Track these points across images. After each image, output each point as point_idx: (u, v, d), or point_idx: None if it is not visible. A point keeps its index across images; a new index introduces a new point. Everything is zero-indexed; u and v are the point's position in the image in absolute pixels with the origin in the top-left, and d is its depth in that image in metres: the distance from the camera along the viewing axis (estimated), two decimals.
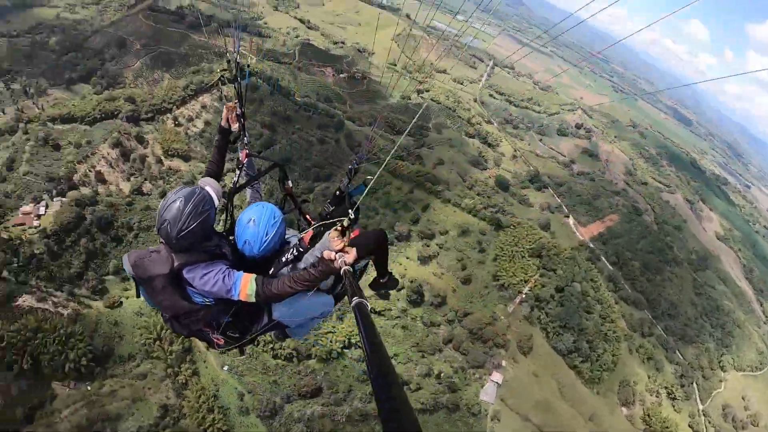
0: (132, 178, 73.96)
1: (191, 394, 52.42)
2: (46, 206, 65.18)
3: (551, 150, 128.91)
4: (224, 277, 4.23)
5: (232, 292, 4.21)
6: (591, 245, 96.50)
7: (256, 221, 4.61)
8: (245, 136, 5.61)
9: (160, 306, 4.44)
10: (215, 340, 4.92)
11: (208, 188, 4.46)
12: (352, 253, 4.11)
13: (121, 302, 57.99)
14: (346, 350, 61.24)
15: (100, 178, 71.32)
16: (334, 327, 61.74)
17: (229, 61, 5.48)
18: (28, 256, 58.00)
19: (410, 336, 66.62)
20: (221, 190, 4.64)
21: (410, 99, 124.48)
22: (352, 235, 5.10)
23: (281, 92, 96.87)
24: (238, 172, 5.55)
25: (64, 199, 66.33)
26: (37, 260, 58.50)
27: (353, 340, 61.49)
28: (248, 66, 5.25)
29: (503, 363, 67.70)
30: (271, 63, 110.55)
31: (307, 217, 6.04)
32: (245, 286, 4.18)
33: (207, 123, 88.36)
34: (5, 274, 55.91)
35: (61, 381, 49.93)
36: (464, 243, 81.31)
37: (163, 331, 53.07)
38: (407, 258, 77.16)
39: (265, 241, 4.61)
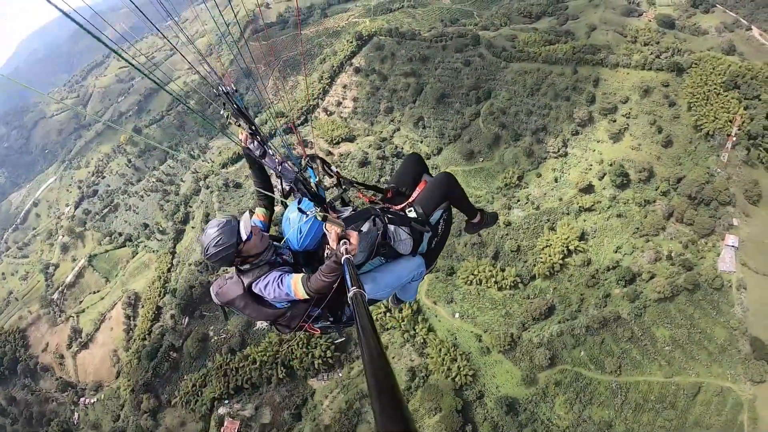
0: None
1: (432, 351, 54.93)
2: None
3: None
4: (277, 285, 4.56)
5: (291, 295, 4.51)
6: None
7: (291, 220, 4.92)
8: (269, 147, 5.41)
9: (253, 318, 4.88)
10: (312, 331, 5.16)
11: (241, 221, 4.76)
12: (353, 237, 4.16)
13: None
14: (567, 259, 58.59)
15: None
16: (548, 240, 59.47)
17: (218, 95, 5.23)
18: None
19: (628, 223, 60.88)
20: (250, 225, 4.80)
21: None
22: (418, 191, 5.71)
23: (407, 37, 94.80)
24: (278, 181, 5.34)
25: None
26: None
27: (571, 247, 58.69)
28: (236, 90, 5.02)
29: (734, 222, 57.70)
30: (385, 16, 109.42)
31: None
32: (296, 287, 4.45)
33: (355, 99, 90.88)
34: None
35: (315, 377, 56.82)
36: (650, 103, 70.76)
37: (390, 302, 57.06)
38: (598, 141, 70.23)
39: (300, 238, 4.85)
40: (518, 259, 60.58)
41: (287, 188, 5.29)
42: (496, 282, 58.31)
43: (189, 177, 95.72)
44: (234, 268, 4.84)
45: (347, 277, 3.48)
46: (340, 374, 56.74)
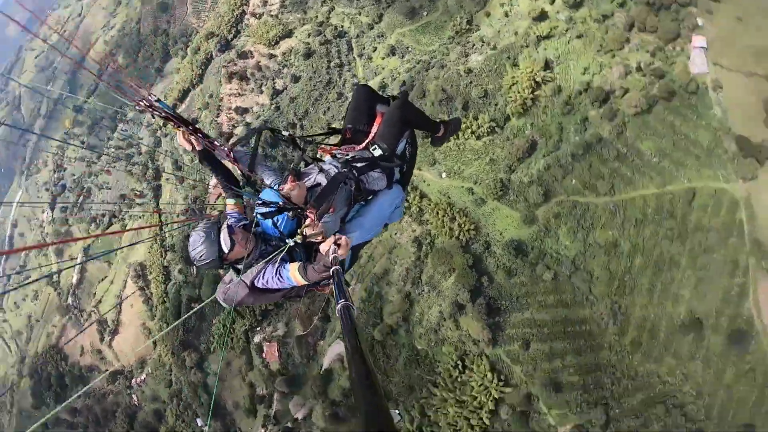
0: (263, 89, 77.31)
1: (430, 216, 55.54)
2: None
3: None
4: (278, 279, 4.63)
5: (293, 283, 4.60)
6: None
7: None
8: (213, 140, 5.15)
9: (266, 303, 4.66)
10: (321, 291, 5.25)
11: (222, 231, 4.66)
12: (343, 241, 4.08)
13: None
14: (537, 92, 56.66)
15: (240, 111, 77.44)
16: (513, 77, 57.47)
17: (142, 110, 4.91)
18: None
19: (590, 42, 58.51)
20: (228, 236, 4.68)
21: None
22: (376, 125, 5.64)
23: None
24: (236, 170, 5.38)
25: None
26: None
27: (538, 79, 56.48)
28: (158, 100, 4.68)
29: (699, 21, 55.75)
30: None
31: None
32: (295, 276, 4.50)
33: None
34: None
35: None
36: None
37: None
38: None
39: (279, 226, 4.86)
40: (488, 103, 59.24)
41: (247, 173, 5.31)
42: (472, 132, 57.28)
43: (145, 132, 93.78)
44: (231, 269, 4.87)
45: (335, 288, 3.40)
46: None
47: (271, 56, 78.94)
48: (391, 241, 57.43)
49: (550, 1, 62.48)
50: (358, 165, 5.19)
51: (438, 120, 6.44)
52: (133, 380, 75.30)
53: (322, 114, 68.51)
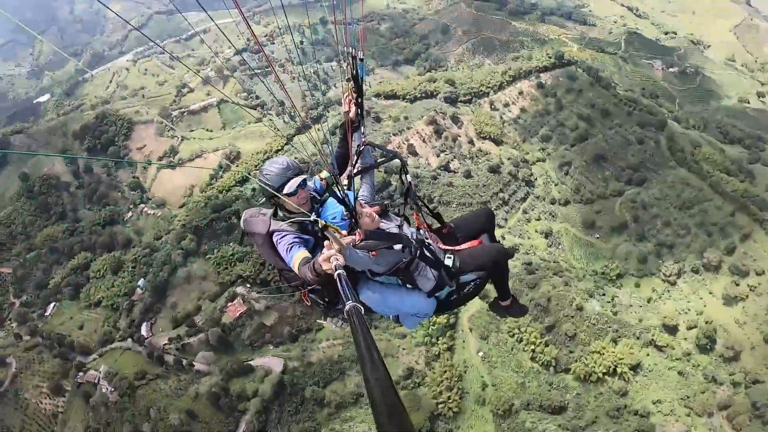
0: (442, 155, 79.22)
1: (438, 368, 54.60)
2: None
3: None
4: (288, 248, 4.69)
5: (290, 263, 4.61)
6: None
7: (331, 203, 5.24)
8: (363, 125, 5.76)
9: (264, 259, 5.07)
10: (305, 299, 5.23)
11: (299, 176, 4.94)
12: (341, 259, 3.94)
13: None
14: (608, 377, 55.43)
15: (412, 151, 79.24)
16: (603, 348, 56.61)
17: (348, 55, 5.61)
18: None
19: (684, 386, 56.10)
20: (301, 184, 4.98)
21: (749, 102, 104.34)
22: (470, 244, 5.74)
23: (602, 84, 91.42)
24: (354, 159, 5.61)
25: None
26: None
27: (619, 369, 55.47)
28: (362, 60, 5.42)
29: None
30: (593, 52, 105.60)
31: (420, 222, 5.75)
32: (295, 262, 4.51)
33: (523, 110, 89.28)
34: None
35: (333, 317, 56.87)
36: None
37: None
38: (710, 293, 64.99)
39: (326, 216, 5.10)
40: (566, 344, 57.91)
41: (359, 168, 5.62)
42: (533, 350, 56.49)
43: (341, 85, 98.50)
44: (273, 207, 5.11)
45: (342, 290, 3.40)
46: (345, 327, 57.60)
47: (470, 142, 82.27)
48: (395, 350, 56.57)
49: (689, 325, 61.18)
50: (427, 254, 5.24)
51: (512, 293, 6.29)
52: (142, 205, 79.88)
53: (461, 208, 69.91)
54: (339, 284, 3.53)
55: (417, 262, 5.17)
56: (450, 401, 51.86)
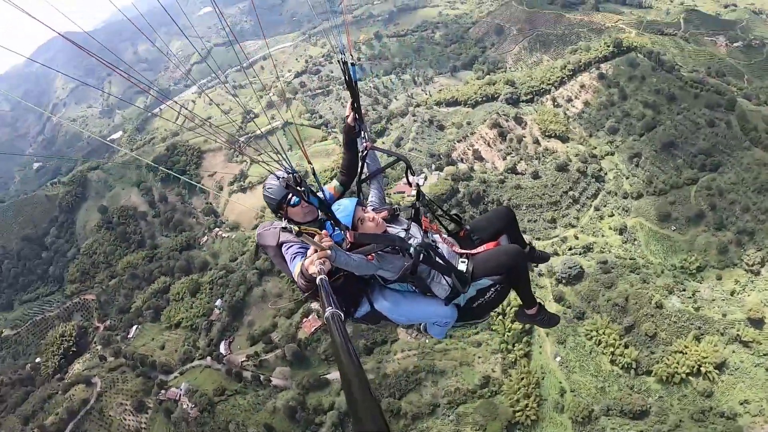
0: (508, 157, 79.34)
1: (515, 375, 54.19)
2: (425, 178, 76.62)
3: None
4: (291, 258, 4.73)
5: (292, 271, 4.64)
6: None
7: (342, 205, 5.05)
8: (364, 129, 5.76)
9: (279, 269, 5.10)
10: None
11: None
12: (327, 264, 3.88)
13: None
14: (692, 378, 52.90)
15: (477, 156, 79.49)
16: (686, 347, 54.06)
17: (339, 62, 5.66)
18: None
19: None
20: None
21: None
22: (485, 247, 5.39)
23: (664, 68, 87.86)
24: (360, 164, 5.69)
25: (441, 173, 76.79)
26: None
27: (703, 369, 52.74)
28: (353, 64, 5.50)
29: None
30: (652, 36, 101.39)
31: (429, 223, 5.62)
32: (295, 271, 4.47)
33: (586, 103, 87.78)
34: None
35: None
36: None
37: (509, 307, 52.85)
38: None
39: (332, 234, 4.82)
40: (647, 345, 55.63)
41: (366, 174, 5.71)
42: (612, 353, 54.70)
43: (402, 98, 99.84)
44: (285, 220, 4.99)
45: (322, 296, 3.33)
46: (427, 340, 58.23)
47: (536, 141, 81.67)
48: (471, 358, 56.64)
49: None
50: (435, 258, 5.01)
51: (539, 301, 5.87)
52: (216, 229, 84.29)
53: (531, 211, 69.64)
54: (321, 290, 3.47)
55: (425, 267, 4.99)
56: (528, 409, 51.26)
